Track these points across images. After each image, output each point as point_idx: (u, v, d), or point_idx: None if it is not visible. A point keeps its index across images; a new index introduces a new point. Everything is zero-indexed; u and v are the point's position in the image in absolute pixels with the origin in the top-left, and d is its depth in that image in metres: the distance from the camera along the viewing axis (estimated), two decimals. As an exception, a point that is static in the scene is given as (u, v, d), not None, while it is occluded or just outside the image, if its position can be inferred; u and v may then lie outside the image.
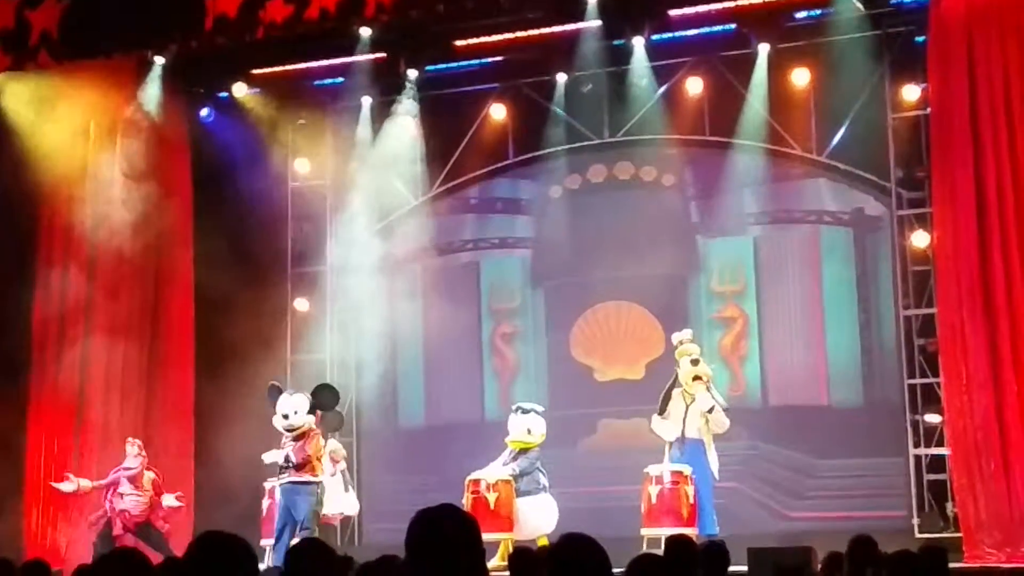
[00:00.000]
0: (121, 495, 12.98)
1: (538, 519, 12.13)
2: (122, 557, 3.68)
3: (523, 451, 12.30)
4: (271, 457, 12.01)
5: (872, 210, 14.11)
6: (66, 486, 13.22)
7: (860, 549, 6.47)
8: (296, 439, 11.80)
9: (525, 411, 12.51)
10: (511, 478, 12.03)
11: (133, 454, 13.11)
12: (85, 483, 13.21)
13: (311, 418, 11.89)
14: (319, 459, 11.96)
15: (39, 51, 13.40)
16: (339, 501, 13.30)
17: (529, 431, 12.38)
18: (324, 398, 12.14)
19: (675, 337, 12.42)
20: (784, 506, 13.95)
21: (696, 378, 12.03)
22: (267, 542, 12.36)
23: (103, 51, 13.67)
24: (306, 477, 11.76)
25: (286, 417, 11.83)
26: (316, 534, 11.66)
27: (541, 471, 12.31)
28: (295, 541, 11.20)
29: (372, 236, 15.67)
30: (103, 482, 13.15)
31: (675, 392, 12.15)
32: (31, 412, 14.39)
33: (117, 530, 12.88)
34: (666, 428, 12.11)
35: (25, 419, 14.32)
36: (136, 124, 14.71)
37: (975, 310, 12.06)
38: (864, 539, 6.51)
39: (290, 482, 11.75)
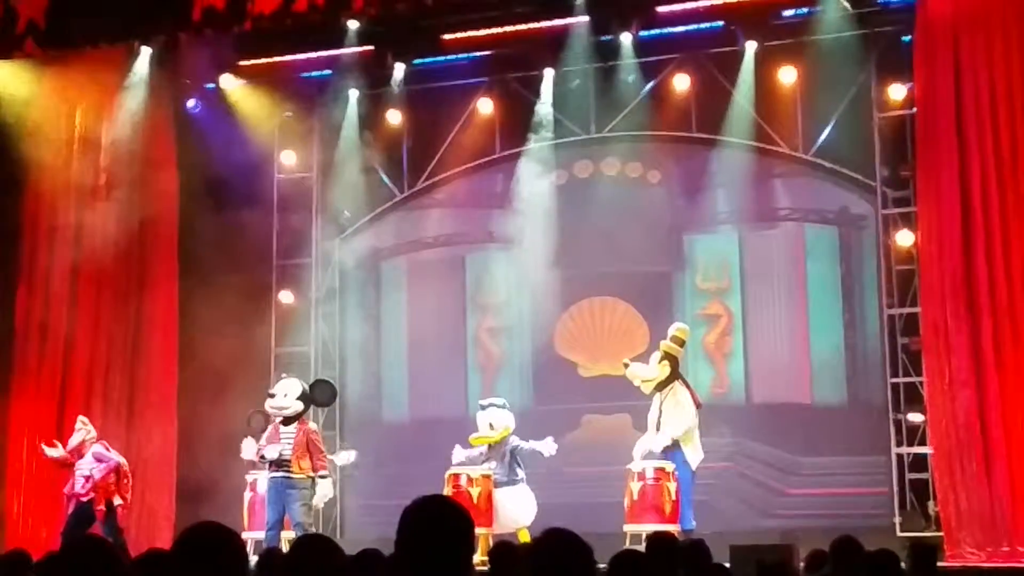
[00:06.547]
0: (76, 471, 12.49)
1: (516, 511, 12.15)
2: (92, 547, 3.57)
3: (491, 447, 12.34)
4: (249, 452, 11.87)
5: (857, 208, 14.14)
6: (53, 451, 12.79)
7: (844, 550, 6.48)
8: (285, 424, 11.56)
9: (484, 407, 12.58)
10: (491, 472, 12.06)
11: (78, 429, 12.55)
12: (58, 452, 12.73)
13: (300, 404, 11.51)
14: (323, 453, 11.61)
15: (25, 40, 13.32)
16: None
17: (491, 426, 12.44)
18: (319, 392, 11.93)
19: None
20: (766, 504, 13.97)
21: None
22: (248, 535, 12.32)
23: (90, 41, 13.60)
24: (297, 473, 11.35)
25: (272, 396, 11.62)
26: (312, 529, 11.57)
27: (518, 463, 12.32)
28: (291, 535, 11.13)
29: (357, 229, 15.66)
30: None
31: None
32: (13, 402, 14.32)
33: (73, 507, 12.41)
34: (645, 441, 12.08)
35: (7, 409, 14.26)
36: (122, 114, 14.66)
37: (958, 309, 12.09)
38: (848, 540, 6.52)
39: (284, 477, 11.35)
